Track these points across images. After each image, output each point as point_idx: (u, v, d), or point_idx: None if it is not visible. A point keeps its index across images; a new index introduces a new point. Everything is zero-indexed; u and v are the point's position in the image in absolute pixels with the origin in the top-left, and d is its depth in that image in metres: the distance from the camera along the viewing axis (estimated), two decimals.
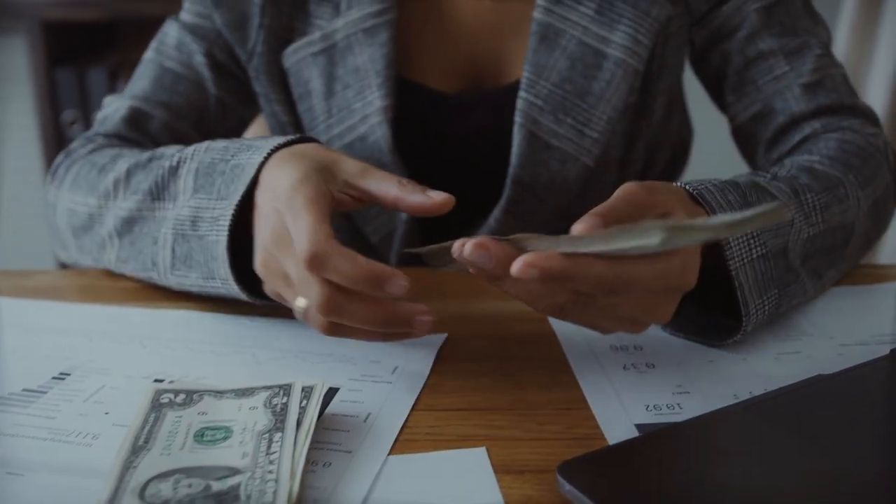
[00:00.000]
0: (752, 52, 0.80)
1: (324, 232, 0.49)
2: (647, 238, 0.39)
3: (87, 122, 1.84)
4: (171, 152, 0.66)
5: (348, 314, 0.50)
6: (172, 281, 0.65)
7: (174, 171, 0.64)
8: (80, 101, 1.85)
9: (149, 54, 0.85)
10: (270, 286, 0.56)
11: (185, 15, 0.84)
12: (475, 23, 0.82)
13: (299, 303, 0.52)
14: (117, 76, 1.84)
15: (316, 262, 0.49)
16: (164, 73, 0.83)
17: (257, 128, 0.97)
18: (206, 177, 0.62)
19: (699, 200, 0.56)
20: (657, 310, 0.51)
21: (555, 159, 0.78)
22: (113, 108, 0.82)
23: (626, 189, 0.51)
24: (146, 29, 0.87)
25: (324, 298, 0.49)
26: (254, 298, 0.60)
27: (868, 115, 0.79)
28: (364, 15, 0.78)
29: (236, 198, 0.58)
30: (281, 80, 0.82)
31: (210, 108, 0.84)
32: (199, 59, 0.82)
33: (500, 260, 0.46)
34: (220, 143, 0.64)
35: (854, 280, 0.71)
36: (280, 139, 0.60)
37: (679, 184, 0.58)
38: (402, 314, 0.50)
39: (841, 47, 1.96)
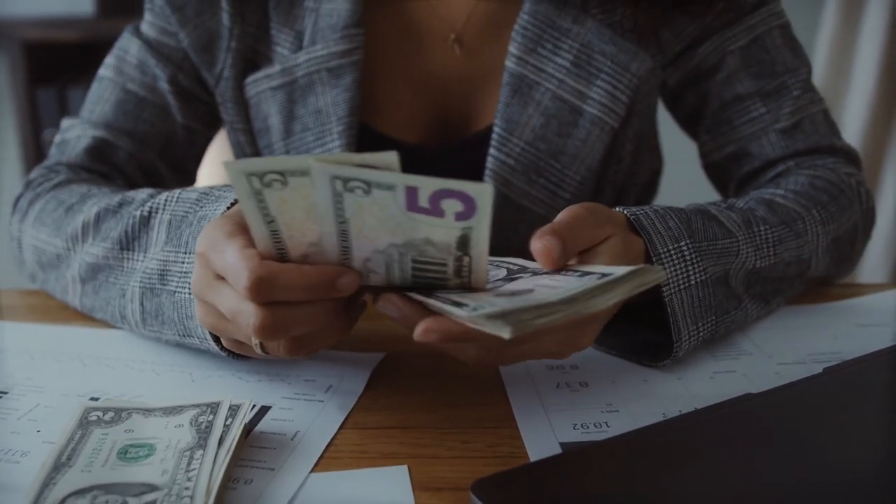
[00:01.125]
0: (729, 94, 0.78)
1: (255, 255, 0.46)
2: (499, 331, 0.41)
3: None
4: (141, 198, 0.64)
5: (295, 321, 0.47)
6: (147, 334, 0.62)
7: (145, 220, 0.62)
8: (61, 120, 1.86)
9: (108, 73, 0.81)
10: (225, 337, 0.53)
11: (148, 29, 0.80)
12: (444, 72, 0.79)
13: (253, 341, 0.50)
14: None
15: (263, 286, 0.45)
16: (127, 96, 0.79)
17: (216, 148, 0.97)
18: (177, 229, 0.59)
19: (637, 228, 0.56)
20: (576, 342, 0.52)
21: (525, 222, 0.75)
22: (74, 135, 0.79)
23: (573, 210, 0.52)
24: None
25: (263, 319, 0.46)
26: (233, 357, 0.58)
27: (847, 154, 0.79)
28: (329, 53, 0.75)
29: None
30: (246, 108, 0.79)
31: (177, 135, 0.81)
32: (164, 86, 0.79)
33: (407, 318, 0.47)
34: (192, 194, 0.61)
35: (799, 300, 0.72)
36: None
37: (620, 209, 0.58)
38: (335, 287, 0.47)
39: (822, 47, 1.98)
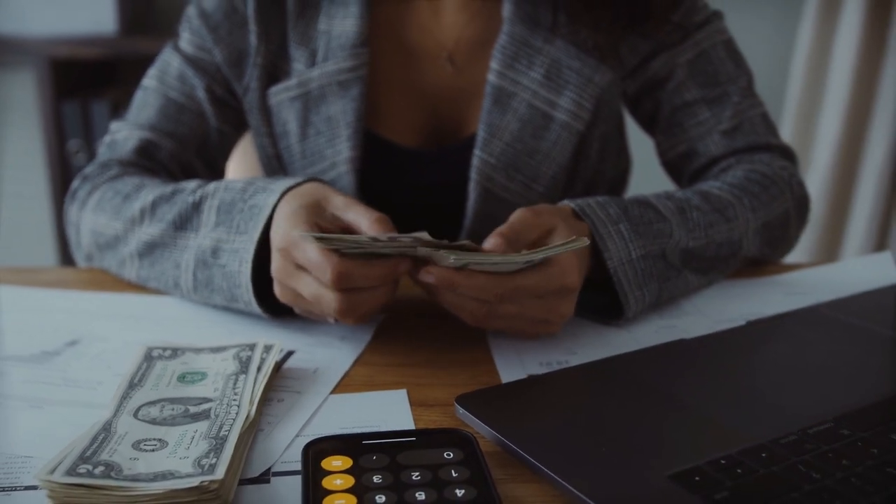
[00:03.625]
0: (679, 101, 0.91)
1: (334, 253, 0.60)
2: (446, 260, 0.59)
3: (91, 152, 1.98)
4: (191, 187, 0.76)
5: (365, 302, 0.62)
6: (197, 299, 0.75)
7: (197, 206, 0.74)
8: (85, 132, 1.99)
9: (151, 82, 0.92)
10: (298, 309, 0.67)
11: (186, 46, 0.91)
12: (437, 86, 0.92)
13: (328, 315, 0.64)
14: (118, 109, 1.98)
15: (343, 279, 0.59)
16: (169, 103, 0.90)
17: (240, 152, 1.10)
18: (226, 214, 0.71)
19: (581, 215, 0.69)
20: (557, 309, 0.65)
21: (505, 212, 0.85)
22: (123, 136, 0.91)
23: (519, 213, 0.66)
24: (145, 66, 0.95)
25: (343, 304, 0.61)
26: (272, 316, 0.71)
27: (782, 151, 0.92)
28: (339, 69, 0.87)
29: (256, 234, 0.68)
30: (268, 116, 0.92)
31: (211, 137, 0.93)
32: (201, 95, 0.90)
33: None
34: (237, 184, 0.73)
35: (737, 274, 0.84)
36: (290, 181, 0.70)
37: (567, 201, 0.71)
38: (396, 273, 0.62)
39: (799, 57, 2.11)
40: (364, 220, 0.64)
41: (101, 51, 1.92)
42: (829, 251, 2.24)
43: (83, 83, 2.03)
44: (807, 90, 2.14)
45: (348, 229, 0.66)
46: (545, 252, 0.59)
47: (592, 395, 0.58)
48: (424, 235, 0.60)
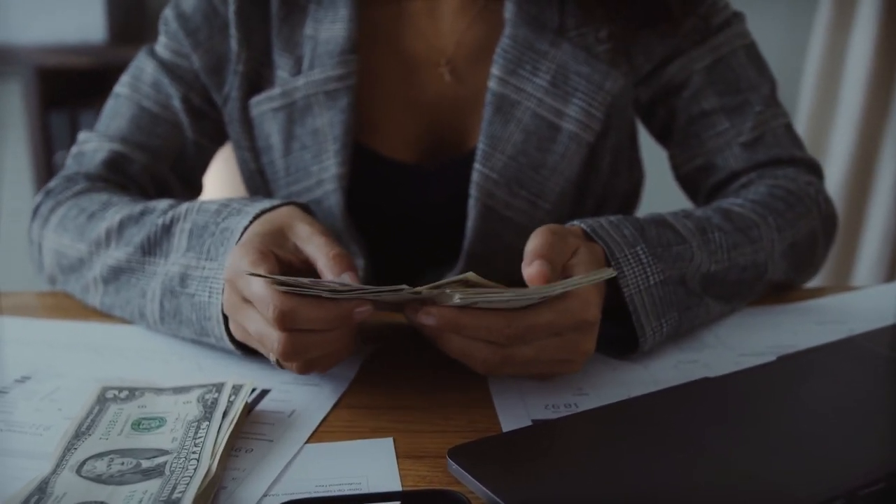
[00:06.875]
0: (696, 110, 0.83)
1: (278, 290, 0.53)
2: (451, 300, 0.51)
3: None
4: (162, 207, 0.69)
5: (312, 346, 0.54)
6: (165, 331, 0.68)
7: (167, 228, 0.67)
8: (72, 144, 1.92)
9: (123, 90, 0.85)
10: (253, 346, 0.59)
11: (162, 51, 0.85)
12: (435, 96, 0.84)
13: (271, 358, 0.56)
14: None
15: (287, 318, 0.52)
16: (142, 112, 0.84)
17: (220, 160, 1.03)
18: (198, 238, 0.65)
19: (594, 237, 0.62)
20: (578, 346, 0.57)
21: (508, 231, 0.80)
22: (91, 148, 0.84)
23: (544, 236, 0.57)
24: None
25: (286, 345, 0.53)
26: (245, 354, 0.63)
27: (807, 165, 0.84)
28: (326, 77, 0.80)
29: (226, 260, 0.61)
30: (250, 128, 0.84)
31: (187, 150, 0.86)
32: (177, 104, 0.83)
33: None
34: (211, 206, 0.66)
35: (762, 301, 0.77)
36: (267, 203, 0.64)
37: (577, 222, 0.64)
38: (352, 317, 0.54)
39: (813, 59, 2.05)
40: (321, 258, 0.58)
41: (90, 59, 1.87)
42: (841, 270, 2.15)
43: (71, 93, 1.98)
44: (819, 100, 2.07)
45: (308, 262, 0.59)
46: (564, 286, 0.52)
47: (607, 446, 0.50)
48: (405, 288, 0.52)
